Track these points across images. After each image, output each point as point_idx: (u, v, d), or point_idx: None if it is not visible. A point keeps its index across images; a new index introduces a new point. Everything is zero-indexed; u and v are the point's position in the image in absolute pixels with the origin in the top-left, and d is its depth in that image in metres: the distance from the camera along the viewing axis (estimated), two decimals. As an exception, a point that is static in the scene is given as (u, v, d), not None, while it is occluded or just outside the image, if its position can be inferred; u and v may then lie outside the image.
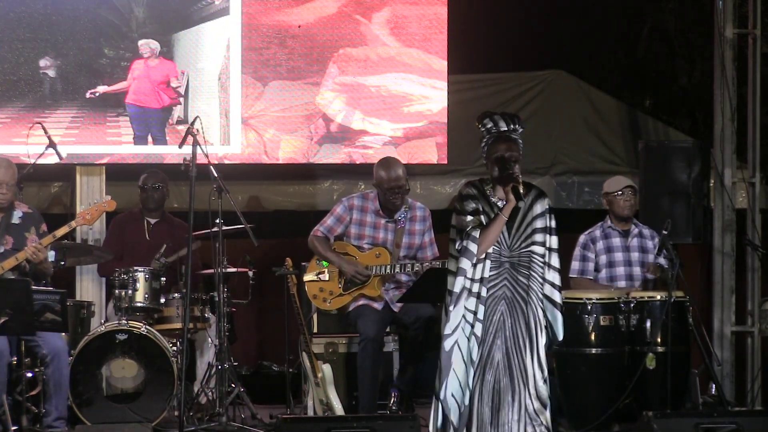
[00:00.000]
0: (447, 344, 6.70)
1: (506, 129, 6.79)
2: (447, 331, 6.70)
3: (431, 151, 10.17)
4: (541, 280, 6.74)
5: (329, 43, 10.17)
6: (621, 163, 11.35)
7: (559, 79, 11.57)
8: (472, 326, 6.68)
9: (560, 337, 6.81)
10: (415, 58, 10.22)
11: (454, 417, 6.72)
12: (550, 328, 6.78)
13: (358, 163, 10.31)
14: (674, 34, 14.07)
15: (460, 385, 6.68)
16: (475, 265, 6.69)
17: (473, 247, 6.67)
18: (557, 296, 6.77)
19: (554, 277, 6.77)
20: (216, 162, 8.58)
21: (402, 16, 10.23)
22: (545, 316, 6.76)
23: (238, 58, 10.08)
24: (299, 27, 10.15)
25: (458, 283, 6.69)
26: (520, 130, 6.83)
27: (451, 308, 6.70)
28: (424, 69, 10.22)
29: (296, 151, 10.19)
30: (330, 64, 10.18)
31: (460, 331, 6.69)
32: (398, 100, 10.25)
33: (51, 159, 9.23)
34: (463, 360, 6.68)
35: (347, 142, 10.22)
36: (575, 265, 9.14)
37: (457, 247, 6.72)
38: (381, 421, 7.73)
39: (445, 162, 10.36)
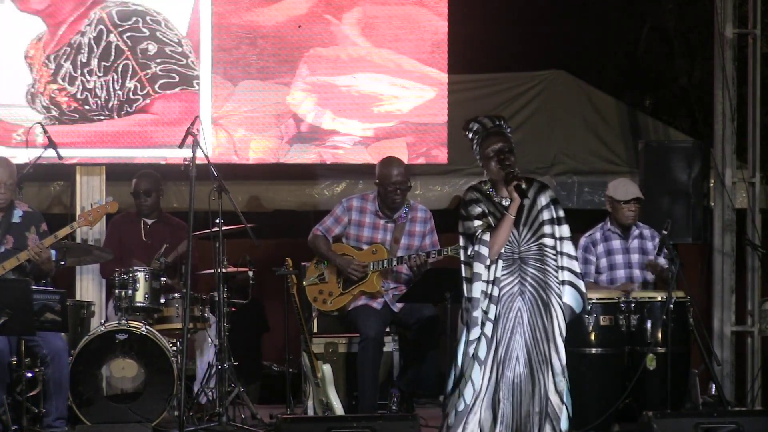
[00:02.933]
0: (472, 349, 6.69)
1: (493, 126, 6.81)
2: (473, 336, 6.69)
3: (402, 151, 10.08)
4: (556, 269, 6.74)
5: (299, 42, 10.14)
6: (621, 163, 11.34)
7: (559, 79, 11.57)
8: (483, 325, 6.69)
9: (584, 309, 6.85)
10: (386, 58, 10.20)
11: (452, 416, 6.74)
12: (569, 309, 6.77)
13: (329, 162, 10.30)
14: (674, 34, 14.08)
15: (473, 384, 6.70)
16: (488, 267, 6.70)
17: (485, 251, 6.68)
18: (579, 282, 6.77)
19: (571, 264, 6.76)
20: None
21: (372, 16, 10.19)
22: (564, 302, 6.76)
23: (209, 57, 10.07)
24: (299, 27, 10.14)
25: (476, 288, 6.69)
26: (508, 129, 6.86)
27: (474, 314, 6.68)
28: (395, 69, 10.18)
29: (266, 151, 10.16)
30: (300, 64, 10.14)
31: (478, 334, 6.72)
32: (368, 100, 10.21)
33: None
34: (476, 360, 6.69)
35: (317, 142, 10.18)
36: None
37: (469, 253, 6.72)
38: (381, 421, 7.72)
39: (416, 162, 10.29)
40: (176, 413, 8.43)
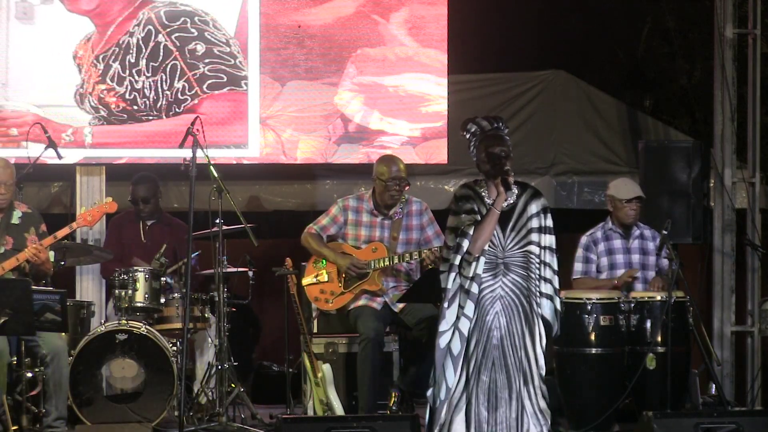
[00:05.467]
0: (442, 341, 6.72)
1: (491, 128, 6.82)
2: (442, 327, 6.72)
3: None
4: (538, 279, 6.75)
5: (347, 43, 10.17)
6: (621, 163, 11.34)
7: (559, 79, 11.56)
8: (458, 319, 6.70)
9: (553, 332, 6.83)
10: (433, 58, 10.21)
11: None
12: (545, 321, 6.79)
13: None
14: (674, 34, 14.07)
15: (446, 381, 6.71)
16: (469, 263, 6.71)
17: (466, 244, 6.70)
18: (557, 300, 6.78)
19: (553, 278, 6.78)
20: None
21: (419, 16, 10.21)
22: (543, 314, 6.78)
23: (257, 58, 10.08)
24: (299, 27, 10.14)
25: (451, 279, 6.72)
26: (505, 129, 6.87)
27: (445, 305, 6.72)
28: (442, 69, 10.21)
29: (314, 151, 10.19)
30: (348, 64, 10.17)
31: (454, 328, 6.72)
32: (416, 100, 10.24)
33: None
34: (449, 355, 6.70)
35: (365, 142, 10.21)
36: (578, 266, 9.13)
37: (449, 244, 6.75)
38: (381, 421, 7.72)
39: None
40: (176, 413, 8.43)
